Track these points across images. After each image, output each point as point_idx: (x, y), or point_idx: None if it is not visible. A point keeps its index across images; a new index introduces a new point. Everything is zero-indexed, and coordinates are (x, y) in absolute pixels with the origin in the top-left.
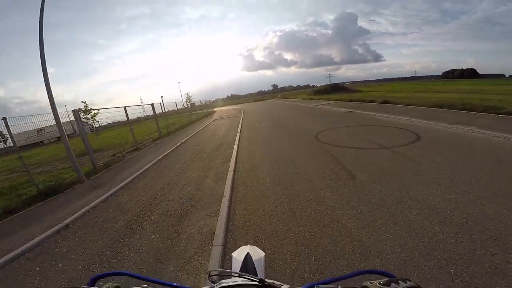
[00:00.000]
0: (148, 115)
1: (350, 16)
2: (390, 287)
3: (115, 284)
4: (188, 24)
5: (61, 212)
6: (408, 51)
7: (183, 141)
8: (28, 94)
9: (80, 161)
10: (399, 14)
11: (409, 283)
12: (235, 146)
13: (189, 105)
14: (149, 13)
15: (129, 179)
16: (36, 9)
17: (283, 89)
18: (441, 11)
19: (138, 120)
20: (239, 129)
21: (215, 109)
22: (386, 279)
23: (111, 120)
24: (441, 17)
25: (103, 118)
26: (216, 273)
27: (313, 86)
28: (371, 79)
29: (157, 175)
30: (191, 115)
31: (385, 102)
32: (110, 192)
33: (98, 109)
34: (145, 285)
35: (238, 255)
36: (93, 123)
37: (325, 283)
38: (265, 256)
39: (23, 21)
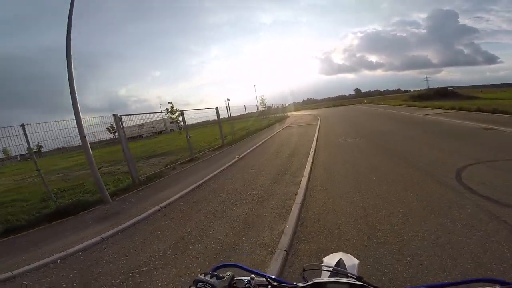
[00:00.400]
0: (222, 118)
1: (447, 13)
2: None
3: (232, 274)
4: (263, 28)
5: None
6: None
7: (240, 156)
8: (141, 93)
9: (141, 166)
10: None
11: None
12: (304, 180)
13: (263, 108)
14: (228, 20)
15: (146, 213)
16: (142, 19)
17: (368, 94)
18: None
19: (208, 123)
20: (313, 146)
21: (288, 113)
22: (502, 286)
23: (194, 121)
24: None
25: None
26: (311, 267)
27: (406, 91)
28: (485, 84)
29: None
30: (262, 119)
31: None
32: (107, 234)
33: (178, 110)
34: (253, 276)
35: (330, 260)
36: (179, 123)
37: (432, 287)
38: (359, 264)
39: (140, 29)
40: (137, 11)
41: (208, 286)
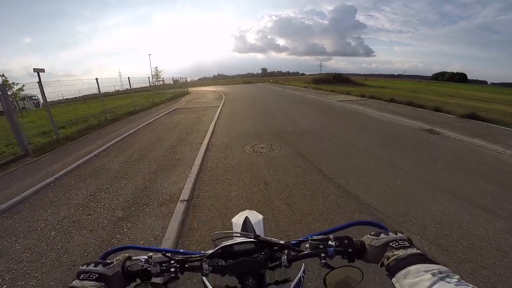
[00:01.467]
0: (119, 90)
1: (349, 8)
2: (379, 237)
3: (126, 255)
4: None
5: None
6: (400, 49)
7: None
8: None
9: None
10: (399, 12)
11: (399, 235)
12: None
13: (157, 81)
14: None
15: None
16: None
17: (272, 74)
18: (441, 13)
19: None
20: (194, 168)
21: (190, 89)
22: (378, 230)
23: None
24: (439, 19)
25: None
26: (218, 236)
27: (303, 74)
28: (359, 73)
29: None
30: (155, 95)
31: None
32: None
33: None
34: (150, 254)
35: (237, 220)
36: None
37: (318, 235)
38: (263, 219)
39: None
40: None
41: (94, 275)
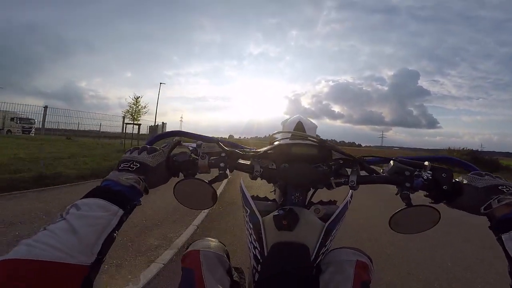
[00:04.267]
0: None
1: (411, 73)
2: (483, 178)
3: (176, 140)
4: (249, 58)
5: None
6: (469, 119)
7: None
8: (102, 90)
9: None
10: (466, 75)
11: (510, 182)
12: None
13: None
14: (220, 41)
15: None
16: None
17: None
18: None
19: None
20: None
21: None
22: (482, 172)
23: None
24: None
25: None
26: (277, 137)
27: (359, 145)
28: (422, 148)
29: None
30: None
31: None
32: None
33: None
34: (200, 142)
35: (289, 124)
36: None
37: (407, 158)
38: (316, 128)
39: (123, 26)
40: (125, 6)
41: (135, 165)
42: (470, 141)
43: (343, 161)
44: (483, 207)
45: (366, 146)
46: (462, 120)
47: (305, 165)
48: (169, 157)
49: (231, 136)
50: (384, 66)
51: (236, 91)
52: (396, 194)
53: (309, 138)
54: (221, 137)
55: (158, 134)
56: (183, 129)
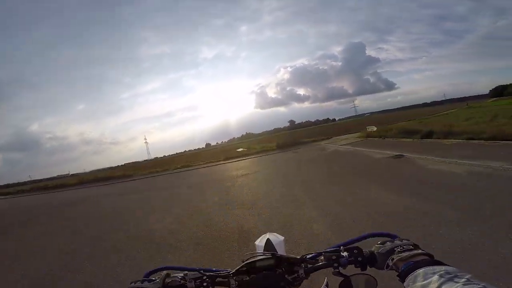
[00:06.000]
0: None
1: (357, 45)
2: (384, 245)
3: (166, 273)
4: (205, 63)
5: None
6: (419, 76)
7: None
8: (58, 130)
9: None
10: (404, 39)
11: (404, 241)
12: None
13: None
14: (170, 53)
15: None
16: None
17: (301, 125)
18: (445, 31)
19: None
20: None
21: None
22: (386, 239)
23: None
24: (446, 38)
25: None
26: (246, 257)
27: (333, 120)
28: (389, 108)
29: None
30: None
31: None
32: None
33: None
34: (186, 272)
35: (260, 241)
36: None
37: (331, 248)
38: (285, 240)
39: (63, 57)
40: (59, 34)
41: None
42: (428, 95)
43: (293, 260)
44: (385, 266)
45: (340, 119)
46: (414, 78)
47: (266, 273)
48: (164, 284)
49: (208, 145)
50: (332, 43)
51: (201, 98)
52: (333, 274)
53: (264, 253)
54: (198, 148)
55: (151, 270)
56: (153, 150)
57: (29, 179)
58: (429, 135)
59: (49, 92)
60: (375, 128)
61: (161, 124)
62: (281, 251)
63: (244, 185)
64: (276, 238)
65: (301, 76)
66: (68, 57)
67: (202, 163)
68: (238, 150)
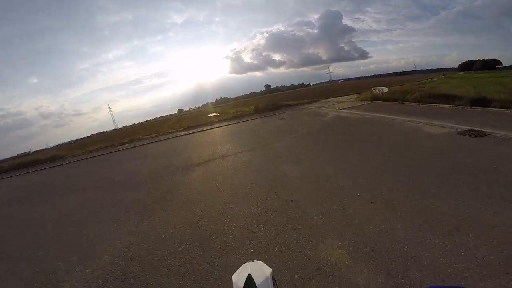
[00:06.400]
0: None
1: (334, 14)
2: None
3: None
4: (174, 29)
5: None
6: (393, 47)
7: None
8: (11, 106)
9: None
10: (382, 11)
11: None
12: None
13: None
14: (132, 19)
15: None
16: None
17: (277, 89)
18: (422, 6)
19: None
20: None
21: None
22: None
23: None
24: (422, 13)
25: None
26: None
27: (308, 85)
28: (361, 76)
29: None
30: None
31: None
32: None
33: None
34: None
35: (238, 278)
36: None
37: None
38: (272, 273)
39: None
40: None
41: None
42: (399, 65)
43: None
44: None
45: (314, 84)
46: (388, 49)
47: None
48: None
49: (180, 110)
50: (309, 11)
51: (172, 64)
52: None
53: None
54: (170, 114)
55: None
56: (122, 118)
57: None
58: (482, 102)
59: None
60: (386, 90)
61: (128, 92)
62: None
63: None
64: (261, 272)
65: (277, 41)
66: (12, 29)
67: (157, 134)
68: (210, 115)
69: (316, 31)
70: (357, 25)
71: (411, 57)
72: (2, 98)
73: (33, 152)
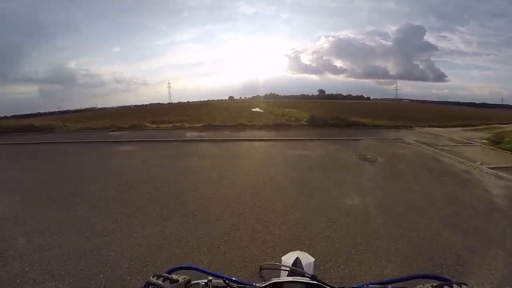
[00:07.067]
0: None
1: (416, 29)
2: None
3: (188, 278)
4: (242, 19)
5: None
6: (478, 73)
7: None
8: (93, 68)
9: None
10: (476, 32)
11: (464, 286)
12: None
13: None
14: (208, 4)
15: None
16: None
17: (332, 97)
18: None
19: None
20: None
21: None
22: (440, 282)
23: None
24: None
25: None
26: (267, 266)
27: (367, 98)
28: (430, 100)
29: None
30: None
31: None
32: None
33: None
34: (210, 278)
35: (288, 258)
36: None
37: (375, 284)
38: (315, 262)
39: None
40: None
41: None
42: (480, 94)
43: None
44: None
45: (374, 99)
46: (471, 75)
47: None
48: (186, 287)
49: (231, 97)
50: (387, 21)
51: (232, 53)
52: None
53: (305, 274)
54: (221, 99)
55: (176, 266)
56: (178, 95)
57: (58, 110)
58: None
59: (88, 35)
60: None
61: (190, 73)
62: (309, 272)
63: None
64: (306, 258)
65: (343, 48)
66: (108, 4)
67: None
68: (253, 109)
69: (390, 43)
70: (441, 44)
71: (497, 87)
72: (88, 61)
73: (98, 108)
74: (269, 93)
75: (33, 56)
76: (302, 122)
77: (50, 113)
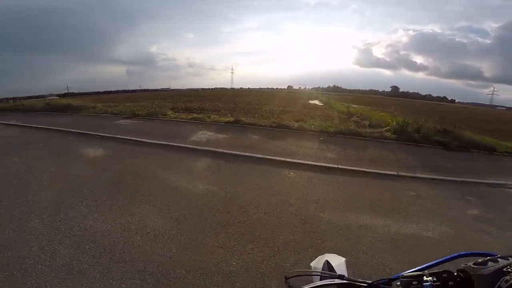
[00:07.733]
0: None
1: None
2: (486, 266)
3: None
4: (306, 8)
5: None
6: None
7: None
8: (171, 52)
9: None
10: None
11: (511, 260)
12: None
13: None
14: None
15: None
16: None
17: (407, 95)
18: None
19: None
20: None
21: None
22: (484, 259)
23: None
24: None
25: None
26: (293, 274)
27: (452, 101)
28: None
29: None
30: None
31: None
32: None
33: None
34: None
35: (317, 263)
36: None
37: (411, 272)
38: (346, 262)
39: None
40: None
41: None
42: None
43: (367, 285)
44: None
45: (458, 103)
46: None
47: None
48: None
49: (290, 87)
50: (486, 17)
51: (294, 42)
52: None
53: (332, 276)
54: (279, 87)
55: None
56: (240, 81)
57: (139, 88)
58: None
59: (168, 21)
60: None
61: (252, 60)
62: (341, 272)
63: None
64: (336, 259)
65: (426, 43)
66: None
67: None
68: (310, 101)
69: (488, 41)
70: None
71: None
72: (166, 46)
73: (171, 89)
74: (332, 85)
75: (122, 40)
76: (383, 130)
77: (133, 91)
